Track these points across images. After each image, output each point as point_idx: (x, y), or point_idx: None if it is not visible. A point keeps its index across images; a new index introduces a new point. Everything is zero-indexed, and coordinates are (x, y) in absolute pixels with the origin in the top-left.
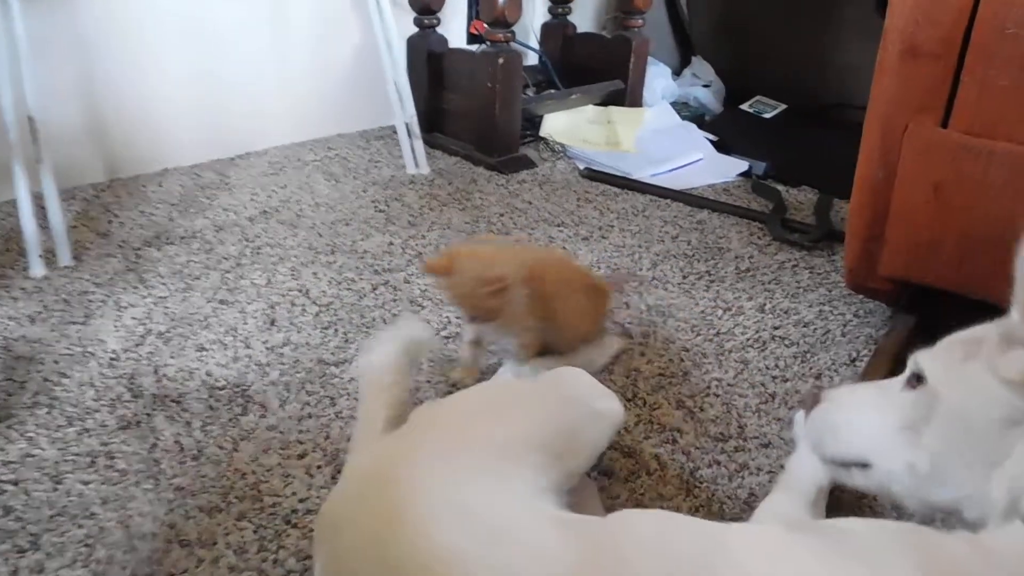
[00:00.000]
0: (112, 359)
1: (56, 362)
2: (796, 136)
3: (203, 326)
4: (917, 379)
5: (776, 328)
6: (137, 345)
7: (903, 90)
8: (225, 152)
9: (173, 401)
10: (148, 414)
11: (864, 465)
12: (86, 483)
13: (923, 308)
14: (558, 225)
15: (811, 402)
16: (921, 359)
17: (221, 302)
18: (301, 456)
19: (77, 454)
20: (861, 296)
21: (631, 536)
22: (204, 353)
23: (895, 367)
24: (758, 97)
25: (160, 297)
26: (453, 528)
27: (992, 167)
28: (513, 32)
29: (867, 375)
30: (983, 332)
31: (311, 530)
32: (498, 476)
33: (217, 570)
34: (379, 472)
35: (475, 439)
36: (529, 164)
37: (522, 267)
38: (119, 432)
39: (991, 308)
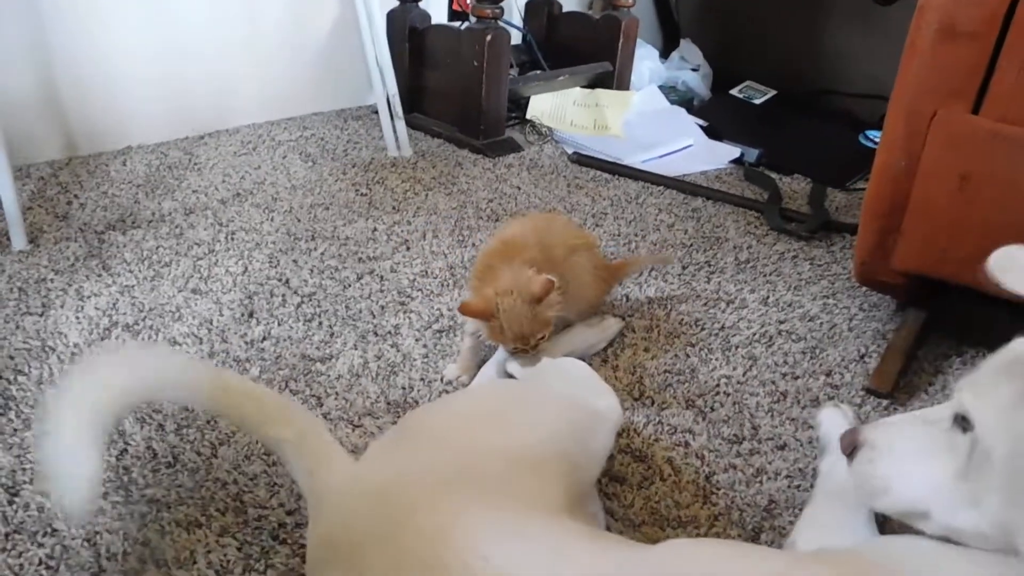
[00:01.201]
0: (74, 354)
1: (11, 357)
2: (787, 123)
3: (175, 318)
4: (964, 420)
5: (781, 322)
6: (102, 338)
7: (934, 73)
8: (193, 130)
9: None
10: None
11: (924, 513)
12: (47, 495)
13: (934, 303)
14: (549, 212)
15: (849, 445)
16: (966, 398)
17: (194, 291)
18: None
19: (36, 462)
20: (863, 288)
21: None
22: (176, 348)
23: (908, 364)
24: (748, 82)
25: (126, 286)
26: (509, 550)
27: None
28: (502, 8)
29: (879, 374)
30: None
31: (301, 546)
32: (530, 493)
33: None
34: (398, 491)
35: (491, 453)
36: (516, 147)
37: (536, 251)
38: None
39: (1005, 304)
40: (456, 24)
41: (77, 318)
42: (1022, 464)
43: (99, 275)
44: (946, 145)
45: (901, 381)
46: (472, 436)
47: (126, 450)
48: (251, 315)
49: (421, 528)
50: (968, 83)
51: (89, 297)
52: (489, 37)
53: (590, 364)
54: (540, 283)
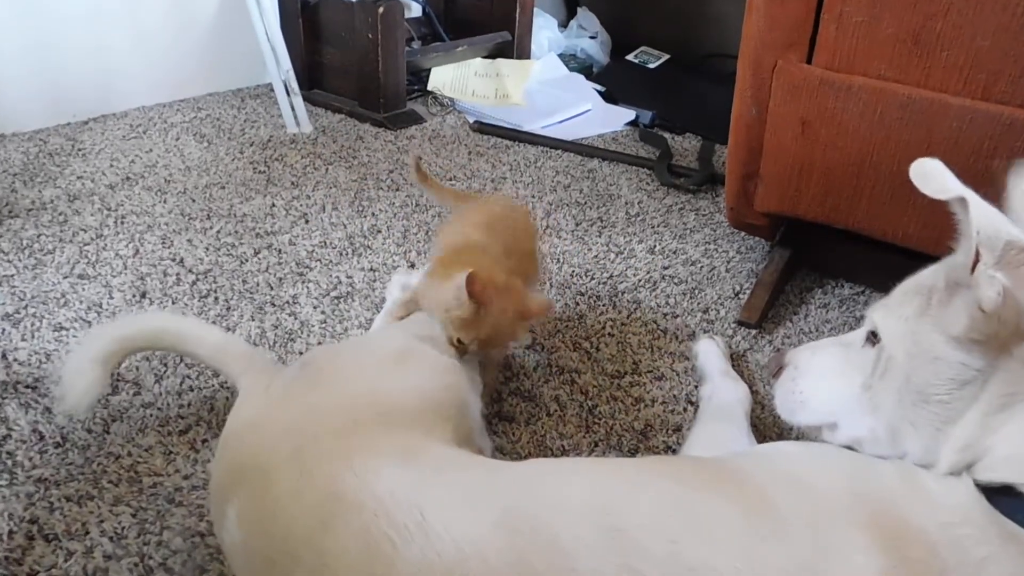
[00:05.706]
0: None
1: None
2: (679, 85)
3: (60, 304)
4: (875, 335)
5: (666, 268)
6: None
7: (770, 28)
8: (75, 115)
9: (27, 387)
10: None
11: (833, 425)
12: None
13: (797, 241)
14: (450, 179)
15: (775, 366)
16: (877, 316)
17: (80, 277)
18: (183, 432)
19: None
20: (742, 233)
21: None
22: (63, 333)
23: (775, 297)
24: (643, 48)
25: (4, 276)
26: (401, 468)
27: (850, 102)
28: None
29: (748, 307)
30: (934, 277)
31: (198, 507)
32: (427, 427)
33: (91, 561)
34: (308, 422)
35: (395, 391)
36: (418, 119)
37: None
38: None
39: (856, 237)
40: None
41: None
42: (916, 364)
43: None
44: (787, 93)
45: (769, 313)
46: (379, 376)
47: (10, 435)
48: (143, 295)
49: (326, 450)
50: (799, 36)
51: None
52: (381, 9)
53: None
54: (539, 303)
